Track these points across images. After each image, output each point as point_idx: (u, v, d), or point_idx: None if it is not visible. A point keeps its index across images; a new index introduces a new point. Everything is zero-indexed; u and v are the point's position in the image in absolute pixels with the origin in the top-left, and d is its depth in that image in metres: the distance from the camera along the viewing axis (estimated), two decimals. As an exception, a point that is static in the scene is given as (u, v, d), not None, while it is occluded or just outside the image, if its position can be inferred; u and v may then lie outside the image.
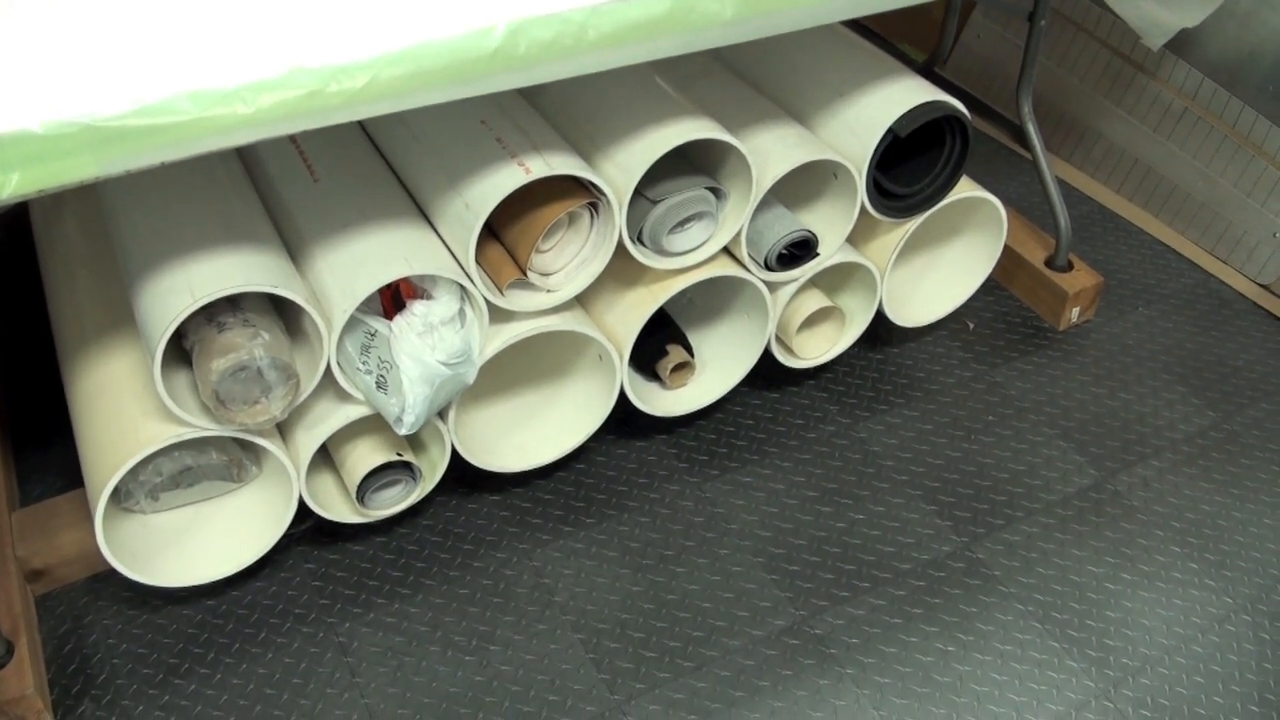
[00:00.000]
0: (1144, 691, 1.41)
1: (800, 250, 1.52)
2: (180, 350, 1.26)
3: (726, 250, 1.51)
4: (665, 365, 1.60)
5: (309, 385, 1.29)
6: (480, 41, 1.04)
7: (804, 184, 1.54)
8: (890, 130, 1.47)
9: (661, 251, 1.43)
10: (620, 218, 1.35)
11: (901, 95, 1.49)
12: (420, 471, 1.46)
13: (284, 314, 1.33)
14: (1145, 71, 2.11)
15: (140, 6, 1.00)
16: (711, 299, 1.66)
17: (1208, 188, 2.06)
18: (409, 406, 1.29)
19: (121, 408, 1.30)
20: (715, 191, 1.42)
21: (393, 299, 1.30)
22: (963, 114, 1.51)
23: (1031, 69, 1.85)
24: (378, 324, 1.28)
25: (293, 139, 1.46)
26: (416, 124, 1.41)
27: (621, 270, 1.46)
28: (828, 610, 1.49)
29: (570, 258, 1.39)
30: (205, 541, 1.42)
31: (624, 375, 1.51)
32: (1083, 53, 2.22)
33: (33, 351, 1.78)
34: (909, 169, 1.57)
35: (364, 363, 1.30)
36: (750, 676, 1.42)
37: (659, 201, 1.38)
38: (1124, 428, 1.75)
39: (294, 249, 1.34)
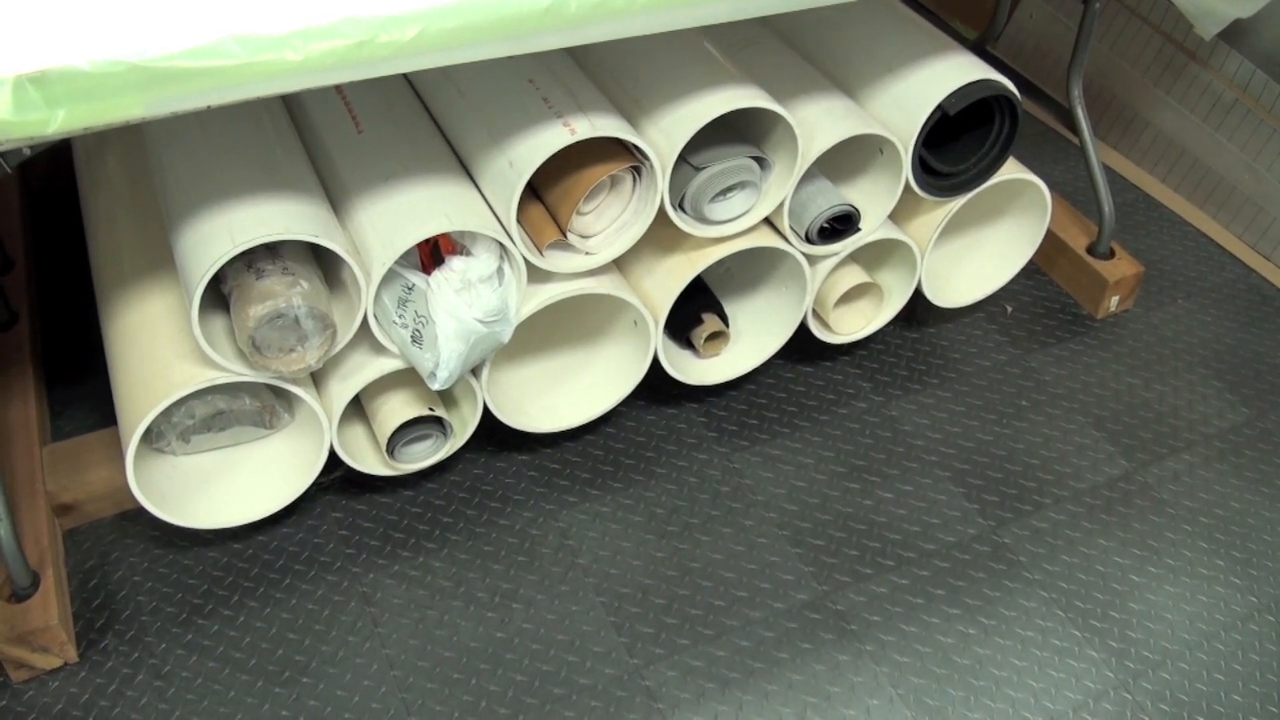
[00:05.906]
0: (1163, 685, 1.40)
1: (842, 224, 1.51)
2: (218, 294, 1.26)
3: (767, 221, 1.50)
4: (700, 334, 1.59)
5: (345, 336, 1.29)
6: (533, -2, 1.03)
7: (849, 157, 1.53)
8: (939, 107, 1.45)
9: (702, 219, 1.42)
10: (663, 183, 1.34)
11: (952, 72, 1.47)
12: (451, 427, 1.46)
13: (323, 264, 1.33)
14: (1197, 60, 2.08)
15: (195, -52, 1.00)
16: (749, 269, 1.65)
17: (1254, 182, 2.03)
18: (443, 362, 1.29)
19: (157, 349, 1.30)
20: (759, 161, 1.41)
21: (432, 254, 1.29)
22: (1013, 94, 1.49)
23: (1084, 52, 1.82)
24: (416, 278, 1.28)
25: (339, 89, 1.46)
26: (463, 80, 1.40)
27: (661, 236, 1.45)
28: (850, 586, 1.49)
29: (611, 221, 1.38)
30: (234, 485, 1.43)
31: (658, 341, 1.50)
32: (1135, 38, 2.19)
33: (70, 288, 1.79)
34: (956, 147, 1.55)
35: (400, 316, 1.30)
36: (769, 648, 1.42)
37: (702, 168, 1.37)
38: (1157, 420, 1.74)
39: (335, 199, 1.34)
